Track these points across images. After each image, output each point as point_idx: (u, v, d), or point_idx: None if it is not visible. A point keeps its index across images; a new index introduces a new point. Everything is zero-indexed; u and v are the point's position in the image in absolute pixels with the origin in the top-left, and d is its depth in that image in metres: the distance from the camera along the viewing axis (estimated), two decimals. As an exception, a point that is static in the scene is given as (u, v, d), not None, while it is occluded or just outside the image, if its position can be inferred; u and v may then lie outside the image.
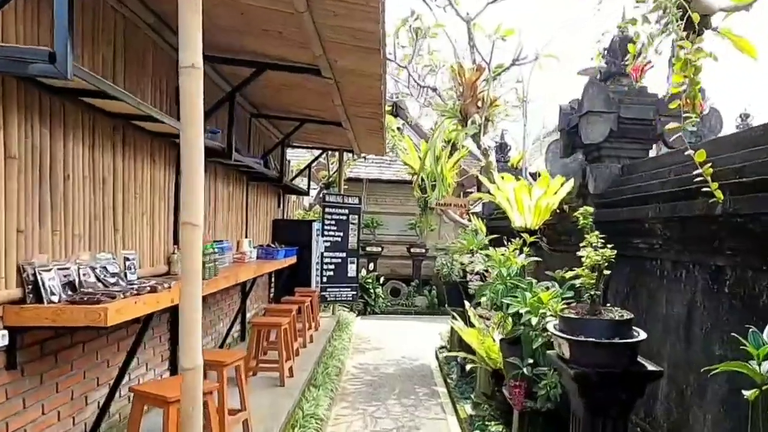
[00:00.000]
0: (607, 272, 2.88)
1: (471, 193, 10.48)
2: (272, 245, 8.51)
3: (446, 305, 9.08)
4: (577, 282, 2.96)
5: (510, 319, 3.93)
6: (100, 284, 3.65)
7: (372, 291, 13.39)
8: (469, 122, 7.11)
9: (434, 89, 8.43)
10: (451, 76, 7.49)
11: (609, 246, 2.93)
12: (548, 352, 3.03)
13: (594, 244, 2.89)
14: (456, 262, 8.93)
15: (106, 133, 4.01)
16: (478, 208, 9.56)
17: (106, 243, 4.09)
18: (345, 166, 12.12)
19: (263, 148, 8.57)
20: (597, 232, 2.97)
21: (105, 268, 3.82)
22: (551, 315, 3.44)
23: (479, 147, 7.64)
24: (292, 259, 9.02)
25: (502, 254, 3.93)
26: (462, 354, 5.21)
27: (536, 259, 4.18)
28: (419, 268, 14.47)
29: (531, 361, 3.52)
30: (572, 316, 2.78)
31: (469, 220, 9.19)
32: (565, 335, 2.72)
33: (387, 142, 11.00)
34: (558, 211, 4.75)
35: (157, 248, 4.98)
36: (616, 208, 3.69)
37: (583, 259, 2.91)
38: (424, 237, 14.69)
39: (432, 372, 8.35)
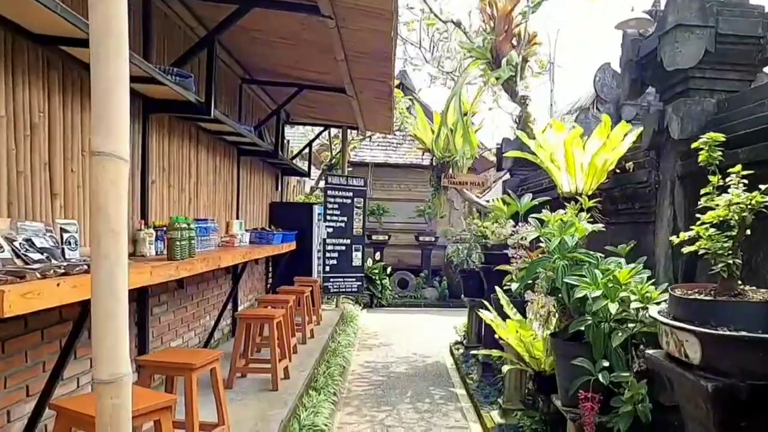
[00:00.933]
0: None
1: (481, 179, 9.46)
2: (267, 229, 7.54)
3: (462, 296, 8.10)
4: (691, 248, 1.96)
5: (565, 306, 2.95)
6: (19, 261, 2.68)
7: (378, 282, 12.43)
8: (503, 62, 6.04)
9: (458, 24, 7.35)
10: (480, 7, 6.42)
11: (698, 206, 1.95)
12: (650, 352, 2.05)
13: (725, 186, 1.90)
14: (473, 244, 7.95)
15: (32, 65, 3.04)
16: (495, 193, 8.52)
17: (37, 209, 3.12)
18: (348, 146, 11.13)
19: (257, 120, 7.58)
20: (738, 169, 1.96)
21: (30, 240, 2.85)
22: (637, 300, 2.45)
23: (514, 96, 6.59)
24: (291, 245, 8.05)
25: (561, 219, 2.95)
26: (496, 353, 4.22)
27: (600, 227, 3.19)
28: (428, 257, 13.50)
29: (606, 364, 2.53)
30: (701, 297, 1.79)
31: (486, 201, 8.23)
32: (691, 327, 1.74)
33: (394, 119, 10.02)
34: (616, 171, 3.76)
35: (118, 223, 4.02)
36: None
37: (713, 213, 1.91)
38: (433, 225, 13.70)
39: (448, 371, 7.38)
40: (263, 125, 7.09)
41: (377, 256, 13.00)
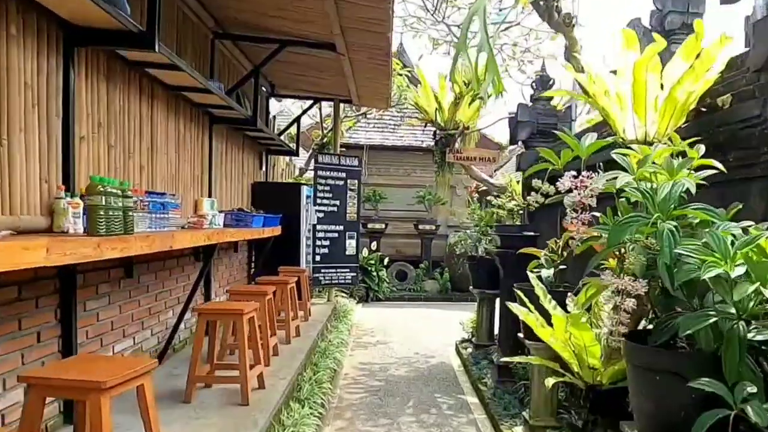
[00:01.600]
0: None
1: (492, 153, 8.43)
2: (246, 210, 6.50)
3: (471, 287, 7.10)
4: None
5: (663, 295, 1.94)
6: None
7: (375, 274, 11.41)
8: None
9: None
10: None
11: None
12: None
13: None
14: (483, 228, 6.95)
15: None
16: (506, 175, 7.49)
17: None
18: (341, 123, 10.09)
19: (233, 81, 6.53)
20: None
21: None
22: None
23: (552, 18, 5.50)
24: (275, 230, 7.02)
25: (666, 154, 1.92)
26: (536, 361, 3.21)
27: (707, 174, 2.15)
28: (429, 247, 12.48)
29: (754, 390, 1.51)
30: None
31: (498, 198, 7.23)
32: None
33: (392, 93, 8.99)
34: (701, 109, 2.74)
35: (25, 187, 2.98)
36: None
37: None
38: (434, 212, 12.68)
39: (455, 374, 6.37)
40: (238, 88, 6.04)
41: (373, 245, 11.99)
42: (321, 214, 8.60)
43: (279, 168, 10.22)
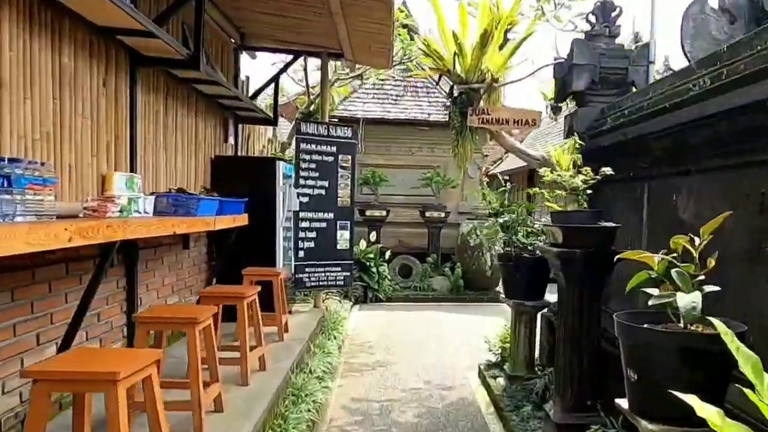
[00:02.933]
0: None
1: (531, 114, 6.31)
2: (191, 192, 4.61)
3: (502, 294, 5.25)
4: None
5: None
6: None
7: (374, 270, 9.54)
8: None
9: None
10: None
11: None
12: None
13: None
14: (521, 217, 5.09)
15: None
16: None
17: None
18: (330, 86, 8.20)
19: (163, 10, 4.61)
20: None
21: None
22: None
23: None
24: (237, 219, 5.17)
25: None
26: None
27: None
28: (437, 238, 10.60)
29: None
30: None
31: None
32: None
33: (394, 46, 7.09)
34: None
35: None
36: None
37: None
38: (442, 197, 10.79)
39: (485, 421, 4.52)
40: (176, 12, 4.14)
41: (372, 236, 10.10)
42: (305, 199, 6.73)
43: (258, 143, 8.32)
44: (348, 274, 7.16)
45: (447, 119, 10.94)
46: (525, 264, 4.83)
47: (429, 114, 10.85)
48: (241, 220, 5.29)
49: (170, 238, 4.85)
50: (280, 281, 5.31)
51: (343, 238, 7.11)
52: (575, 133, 4.78)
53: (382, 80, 11.33)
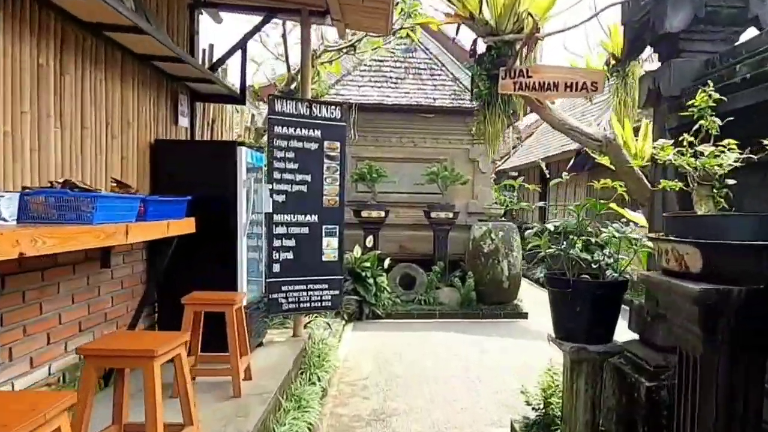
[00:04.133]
0: None
1: (592, 74, 4.64)
2: (85, 185, 3.03)
3: (555, 335, 3.69)
4: None
5: None
6: None
7: (371, 282, 8.00)
8: None
9: None
10: None
11: None
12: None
13: None
14: (586, 218, 3.58)
15: None
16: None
17: None
18: (316, 64, 6.66)
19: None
20: None
21: None
22: None
23: None
24: (174, 227, 3.63)
25: None
26: None
27: None
28: (444, 242, 9.04)
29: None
30: None
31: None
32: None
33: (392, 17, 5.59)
34: None
35: None
36: None
37: None
38: (449, 195, 9.25)
39: None
40: None
41: (369, 241, 8.56)
42: (280, 198, 5.20)
43: (230, 131, 6.77)
44: (337, 292, 5.60)
45: (454, 105, 9.42)
46: (588, 291, 3.30)
47: (434, 99, 9.30)
48: (181, 227, 3.75)
49: (72, 256, 3.31)
50: (235, 312, 3.76)
51: (330, 246, 5.55)
52: (660, 100, 3.24)
53: (379, 61, 9.79)
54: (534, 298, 9.85)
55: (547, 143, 14.25)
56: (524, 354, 6.19)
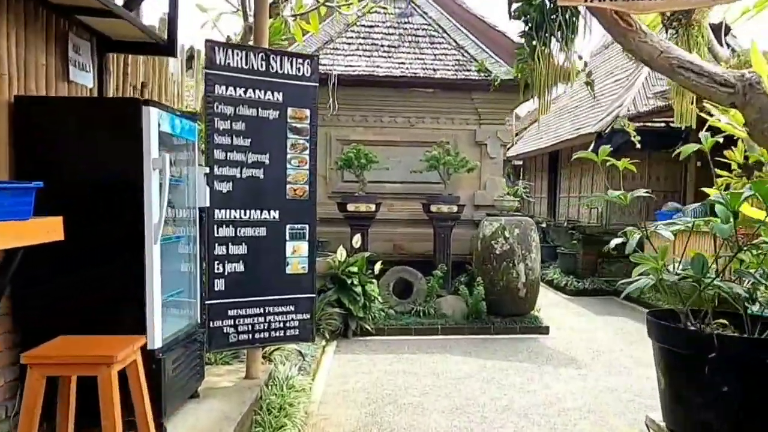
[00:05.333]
0: None
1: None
2: None
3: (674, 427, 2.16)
4: None
5: None
6: None
7: (358, 290, 6.46)
8: None
9: None
10: None
11: None
12: None
13: None
14: None
15: None
16: None
17: None
18: (281, 16, 5.09)
19: None
20: None
21: None
22: None
23: None
24: (7, 232, 2.05)
25: None
26: None
27: None
28: (446, 241, 7.49)
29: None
30: None
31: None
32: None
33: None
34: None
35: None
36: None
37: None
38: (453, 184, 7.71)
39: None
40: None
41: (356, 241, 6.99)
42: (225, 186, 3.66)
43: (177, 97, 5.18)
44: (307, 316, 4.05)
45: (458, 77, 7.86)
46: (746, 357, 1.75)
47: (434, 70, 7.73)
48: (24, 232, 2.18)
49: None
50: (111, 377, 2.21)
51: (297, 253, 4.00)
52: None
53: (369, 26, 8.20)
54: (551, 305, 8.34)
55: (558, 126, 12.70)
56: (557, 393, 4.69)
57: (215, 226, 3.67)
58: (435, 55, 7.99)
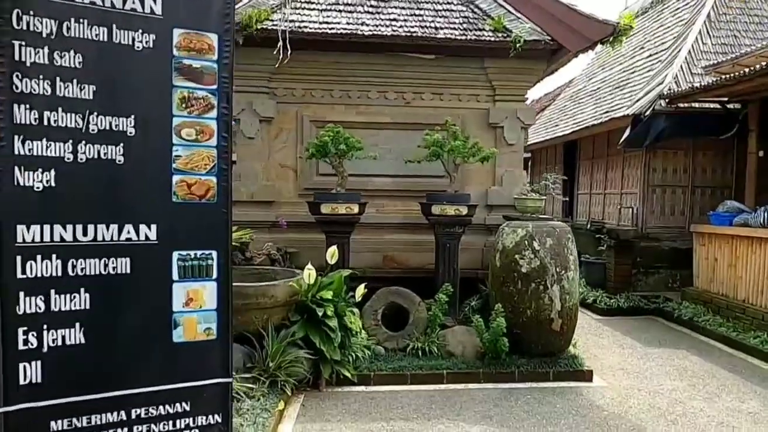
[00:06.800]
0: None
1: None
2: None
3: None
4: None
5: None
6: None
7: (333, 324, 4.57)
8: None
9: None
10: None
11: None
12: None
13: None
14: None
15: None
16: None
17: None
18: None
19: None
20: None
21: None
22: None
23: None
24: None
25: None
26: None
27: None
28: (453, 252, 5.60)
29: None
30: None
31: None
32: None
33: None
34: None
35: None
36: None
37: None
38: (460, 179, 5.87)
39: None
40: None
41: (331, 255, 5.04)
42: (37, 178, 1.80)
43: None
44: (217, 418, 2.20)
45: (467, 37, 5.98)
46: None
47: (436, 28, 5.84)
48: None
49: None
50: None
51: (195, 304, 2.14)
52: None
53: (352, -25, 6.30)
54: (580, 329, 6.52)
55: (578, 111, 10.85)
56: None
57: (17, 259, 1.82)
58: (437, 10, 6.10)
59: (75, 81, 1.89)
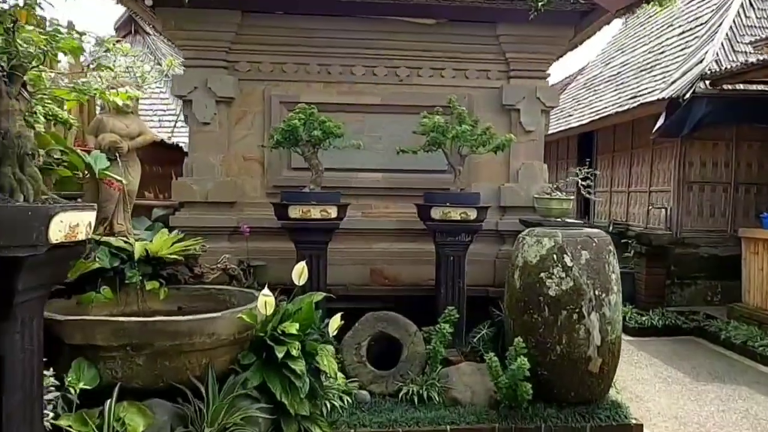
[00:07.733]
0: None
1: None
2: None
3: None
4: None
5: None
6: None
7: (300, 367, 3.37)
8: None
9: None
10: None
11: None
12: None
13: None
14: None
15: None
16: None
17: None
18: None
19: None
20: None
21: None
22: None
23: None
24: None
25: None
26: None
27: None
28: (458, 265, 4.40)
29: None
30: None
31: None
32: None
33: None
34: None
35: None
36: None
37: None
38: (466, 174, 4.66)
39: None
40: None
41: (298, 273, 3.82)
42: None
43: None
44: None
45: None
46: None
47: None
48: None
49: None
50: None
51: None
52: None
53: None
54: (621, 361, 5.30)
55: (595, 98, 9.63)
56: None
57: None
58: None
59: None
